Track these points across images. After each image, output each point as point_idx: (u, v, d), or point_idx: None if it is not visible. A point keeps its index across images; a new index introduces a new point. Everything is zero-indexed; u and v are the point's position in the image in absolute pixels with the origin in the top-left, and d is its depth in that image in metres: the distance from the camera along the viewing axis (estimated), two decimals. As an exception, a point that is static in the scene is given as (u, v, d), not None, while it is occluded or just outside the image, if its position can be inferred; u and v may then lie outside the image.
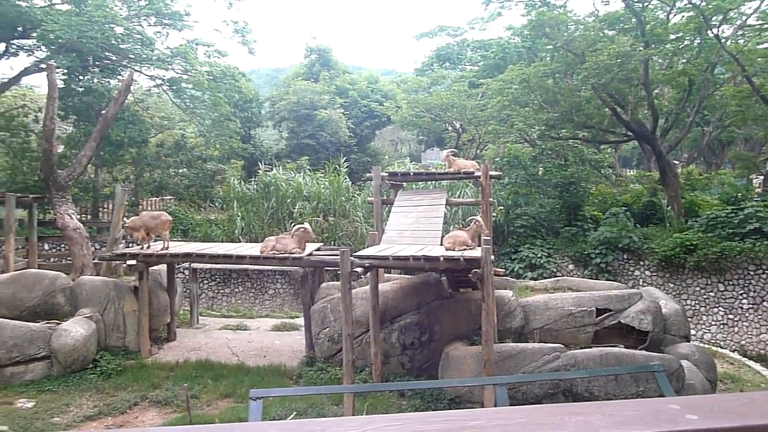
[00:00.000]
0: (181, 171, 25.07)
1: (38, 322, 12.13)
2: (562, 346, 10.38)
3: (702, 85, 20.13)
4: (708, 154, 30.33)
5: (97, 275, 14.46)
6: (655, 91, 21.94)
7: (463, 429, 1.22)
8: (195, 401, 10.48)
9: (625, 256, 18.02)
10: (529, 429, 1.22)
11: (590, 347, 10.69)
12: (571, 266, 18.19)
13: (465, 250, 9.81)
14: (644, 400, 1.39)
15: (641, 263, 18.00)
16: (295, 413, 9.57)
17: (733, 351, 15.71)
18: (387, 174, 13.16)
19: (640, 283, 17.59)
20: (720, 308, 16.98)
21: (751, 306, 16.69)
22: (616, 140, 23.61)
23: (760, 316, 16.60)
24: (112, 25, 20.05)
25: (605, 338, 11.35)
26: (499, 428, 1.21)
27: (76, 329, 11.69)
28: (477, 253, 9.47)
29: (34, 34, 19.25)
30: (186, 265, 15.92)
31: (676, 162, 26.49)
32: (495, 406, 6.36)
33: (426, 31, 34.99)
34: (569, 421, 1.25)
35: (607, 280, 16.09)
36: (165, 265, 14.00)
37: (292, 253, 11.41)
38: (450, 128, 31.15)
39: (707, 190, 22.62)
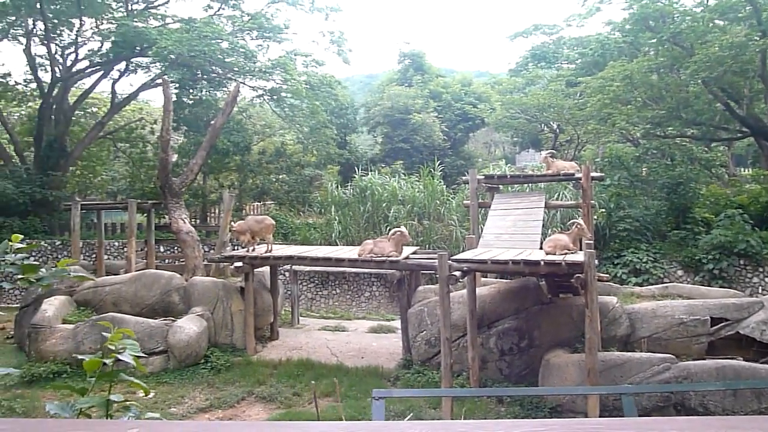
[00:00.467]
0: (281, 177, 26.13)
1: (156, 318, 13.10)
2: (672, 356, 9.84)
3: (829, 75, 18.37)
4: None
5: (207, 276, 15.38)
6: (775, 83, 20.24)
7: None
8: (297, 398, 10.90)
9: (741, 262, 16.76)
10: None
11: (704, 359, 10.05)
12: (680, 272, 17.17)
13: (566, 254, 9.55)
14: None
15: (761, 270, 16.69)
16: (394, 415, 9.70)
17: None
18: (483, 177, 13.07)
19: (760, 291, 16.29)
20: None
21: None
22: (729, 137, 22.03)
23: None
24: (219, 41, 21.29)
25: (721, 350, 10.62)
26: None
27: (189, 326, 12.49)
28: (579, 257, 9.19)
29: (150, 52, 20.81)
30: (287, 267, 16.57)
31: (800, 159, 24.26)
32: (621, 416, 6.10)
33: (520, 30, 34.30)
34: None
35: (720, 287, 15.03)
36: (268, 267, 14.65)
37: (389, 257, 11.58)
38: (546, 129, 30.36)
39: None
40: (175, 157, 22.01)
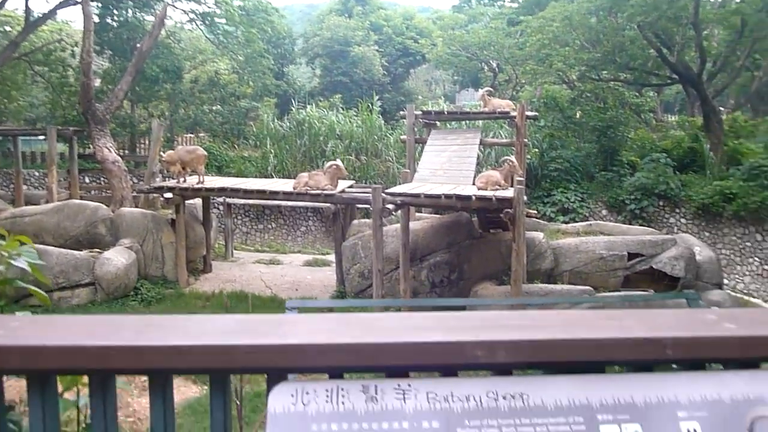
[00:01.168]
0: (215, 108, 25.17)
1: (81, 251, 12.64)
2: (591, 288, 10.42)
3: (756, 27, 19.04)
4: (756, 101, 29.01)
5: (136, 208, 14.88)
6: (705, 31, 20.88)
7: (498, 327, 1.27)
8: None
9: (661, 203, 17.69)
10: (562, 329, 1.26)
11: (620, 291, 10.69)
12: (604, 212, 17.97)
13: (498, 190, 9.76)
14: (681, 310, 1.43)
15: (677, 211, 17.68)
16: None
17: (766, 301, 15.52)
18: (421, 112, 13.03)
19: (675, 231, 17.31)
20: (756, 258, 16.68)
21: (788, 257, 16.36)
22: (659, 83, 22.75)
23: (797, 267, 16.28)
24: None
25: (636, 283, 11.31)
26: (533, 327, 1.26)
27: (117, 258, 12.15)
28: (509, 193, 9.42)
29: (69, -34, 19.16)
30: (220, 200, 16.23)
31: (722, 108, 25.44)
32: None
33: (465, -35, 33.65)
34: (605, 324, 1.30)
35: (640, 226, 15.88)
36: (200, 200, 14.31)
37: (324, 190, 11.51)
38: (486, 68, 30.35)
39: (752, 138, 21.77)
40: (98, 83, 20.75)
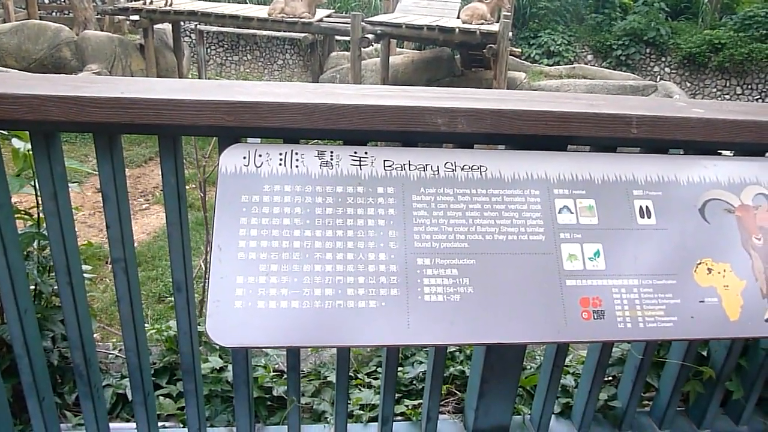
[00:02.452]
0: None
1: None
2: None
3: None
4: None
5: (101, 31, 14.01)
6: None
7: (461, 99, 1.22)
8: (209, 160, 10.87)
9: (648, 50, 17.22)
10: (528, 103, 1.21)
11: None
12: (590, 57, 17.50)
13: (483, 24, 9.32)
14: (652, 97, 1.38)
15: (663, 59, 17.28)
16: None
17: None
18: (407, -65, 11.97)
19: (658, 80, 17.08)
20: (733, 111, 16.74)
21: (765, 111, 16.44)
22: None
23: (771, 122, 16.44)
24: None
25: (611, 128, 11.36)
26: (498, 100, 1.20)
27: (84, 83, 11.67)
28: (495, 27, 9.01)
29: None
30: (192, 27, 15.33)
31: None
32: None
33: None
34: (572, 102, 1.25)
35: (624, 72, 15.60)
36: (170, 25, 13.49)
37: (302, 18, 10.87)
38: None
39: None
40: None
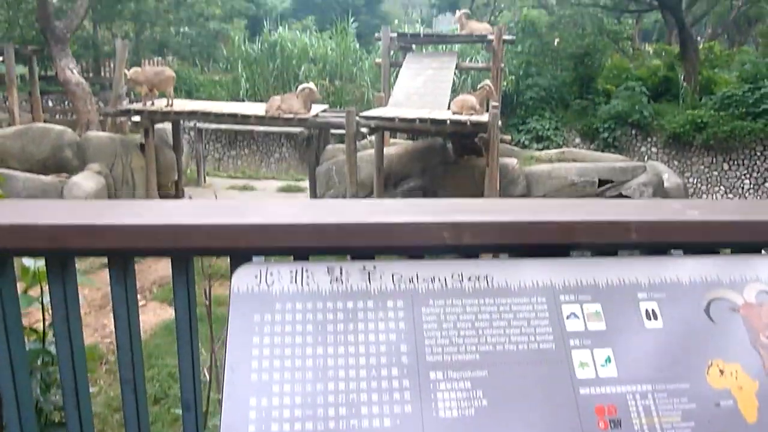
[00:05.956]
0: (182, 29, 24.11)
1: (48, 175, 12.32)
2: (561, 213, 10.58)
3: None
4: (733, 31, 28.88)
5: (103, 131, 14.45)
6: (687, -45, 20.43)
7: (466, 210, 1.26)
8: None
9: (633, 132, 17.80)
10: (530, 212, 1.26)
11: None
12: (578, 140, 18.05)
13: (473, 114, 9.68)
14: (649, 199, 1.44)
15: (649, 140, 17.84)
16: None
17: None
18: (396, 35, 12.67)
19: (646, 160, 17.53)
20: (721, 187, 17.08)
21: (752, 186, 16.77)
22: (638, 9, 22.41)
23: (760, 196, 16.74)
24: None
25: (605, 209, 11.52)
26: (501, 211, 1.25)
27: (86, 183, 11.90)
28: (484, 117, 9.36)
29: None
30: (191, 125, 15.83)
31: (699, 37, 25.29)
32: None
33: None
34: (572, 209, 1.30)
35: (612, 154, 16.03)
36: (170, 124, 13.94)
37: (297, 114, 11.27)
38: (464, -9, 29.40)
39: (727, 67, 21.80)
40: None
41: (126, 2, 21.21)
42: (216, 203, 1.34)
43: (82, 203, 1.30)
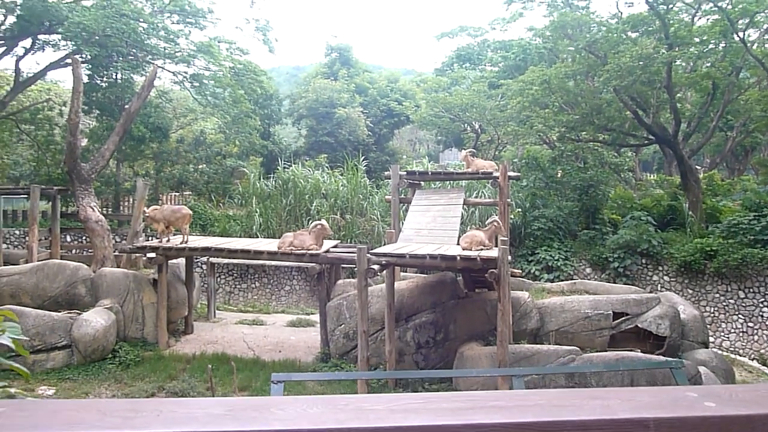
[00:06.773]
0: (200, 167, 25.33)
1: (60, 311, 12.38)
2: (577, 348, 10.35)
3: (726, 89, 19.88)
4: (731, 160, 29.91)
5: (118, 267, 14.70)
6: (678, 94, 21.71)
7: (484, 408, 1.27)
8: (210, 394, 10.62)
9: (643, 261, 17.86)
10: (548, 410, 1.27)
11: (606, 351, 10.64)
12: (588, 270, 18.08)
13: (482, 250, 9.83)
14: (662, 387, 1.44)
15: (660, 268, 17.84)
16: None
17: (752, 359, 15.51)
18: (405, 173, 13.20)
19: (659, 289, 17.42)
20: (740, 316, 16.77)
21: (771, 314, 16.47)
22: (636, 143, 23.40)
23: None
24: (137, 21, 20.33)
25: (621, 343, 11.28)
26: (519, 408, 1.26)
27: (96, 319, 11.90)
28: (494, 253, 9.48)
29: (60, 29, 19.57)
30: (204, 259, 16.11)
31: (698, 167, 26.16)
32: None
33: (447, 31, 34.97)
34: (588, 404, 1.30)
35: (624, 284, 15.98)
36: (184, 259, 14.19)
37: (309, 250, 11.50)
38: (469, 129, 31.12)
39: (729, 196, 22.32)
40: (84, 142, 20.89)
41: (150, 143, 22.50)
42: (240, 403, 1.36)
43: (108, 404, 1.32)
